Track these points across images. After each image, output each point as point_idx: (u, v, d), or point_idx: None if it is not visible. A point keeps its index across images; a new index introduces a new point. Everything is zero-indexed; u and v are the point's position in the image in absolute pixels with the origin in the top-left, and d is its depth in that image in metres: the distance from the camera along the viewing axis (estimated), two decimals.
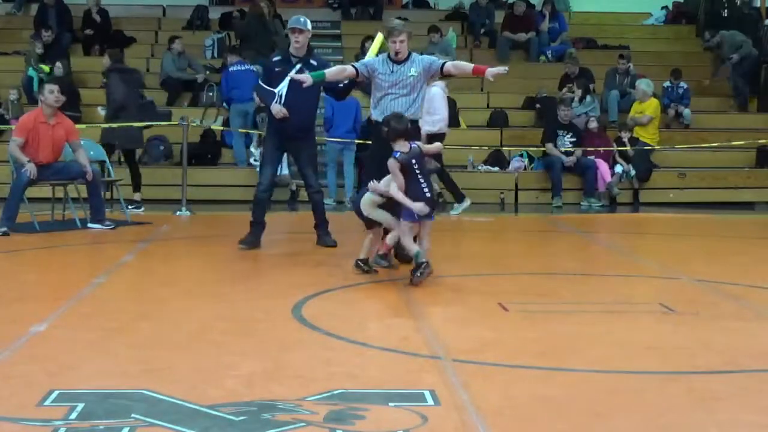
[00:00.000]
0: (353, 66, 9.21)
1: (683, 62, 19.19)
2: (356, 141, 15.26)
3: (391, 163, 7.88)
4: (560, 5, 21.06)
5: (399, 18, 20.68)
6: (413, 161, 7.91)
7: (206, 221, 13.10)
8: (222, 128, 16.41)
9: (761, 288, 8.33)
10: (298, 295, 7.49)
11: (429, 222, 8.06)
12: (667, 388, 5.26)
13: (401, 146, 7.96)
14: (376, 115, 8.90)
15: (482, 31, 20.20)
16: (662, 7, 22.36)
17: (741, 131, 17.24)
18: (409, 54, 8.96)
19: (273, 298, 7.52)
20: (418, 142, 8.23)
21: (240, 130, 15.79)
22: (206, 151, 16.34)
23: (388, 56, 8.97)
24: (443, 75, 9.37)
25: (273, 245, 10.59)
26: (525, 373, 5.57)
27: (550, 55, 19.36)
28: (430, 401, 4.82)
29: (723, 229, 13.19)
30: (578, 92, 16.86)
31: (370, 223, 8.45)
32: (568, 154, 15.72)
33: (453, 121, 15.01)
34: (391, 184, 7.96)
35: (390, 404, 4.77)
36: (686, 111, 17.51)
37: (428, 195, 7.90)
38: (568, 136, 15.87)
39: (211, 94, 17.52)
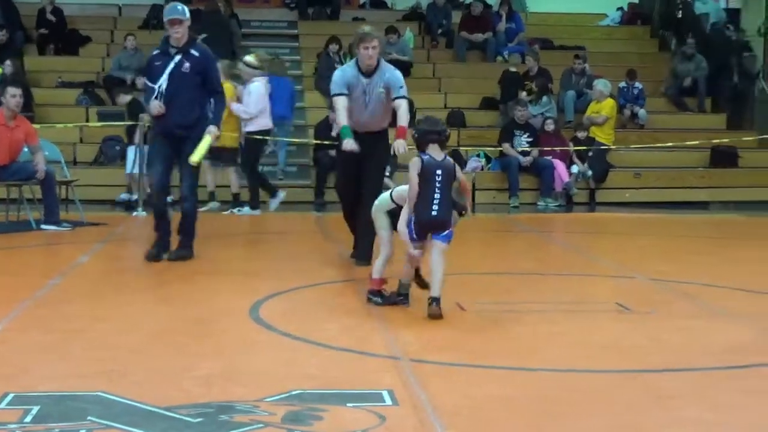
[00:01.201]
0: (336, 95, 8.77)
1: (638, 63, 19.32)
2: (315, 141, 15.26)
3: (413, 162, 6.93)
4: (517, 6, 21.12)
5: (357, 18, 20.82)
6: (438, 172, 6.88)
7: None
8: None
9: (715, 286, 8.41)
10: (255, 296, 7.47)
11: (439, 244, 6.91)
12: (623, 386, 5.30)
13: (434, 152, 6.95)
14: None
15: (439, 31, 20.23)
16: (618, 8, 22.51)
17: (695, 131, 17.38)
18: (379, 61, 8.72)
19: (230, 299, 7.49)
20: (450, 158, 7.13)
21: None
22: None
23: (357, 67, 8.70)
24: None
25: (231, 246, 10.55)
26: (483, 372, 5.59)
27: (507, 56, 19.42)
28: (389, 401, 4.82)
29: (678, 229, 13.30)
30: (533, 86, 16.98)
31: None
32: (524, 154, 15.80)
33: (412, 121, 14.98)
34: (407, 188, 7.05)
35: (348, 405, 4.76)
36: (642, 111, 17.64)
37: (434, 214, 6.85)
38: (525, 136, 15.95)
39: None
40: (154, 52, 9.42)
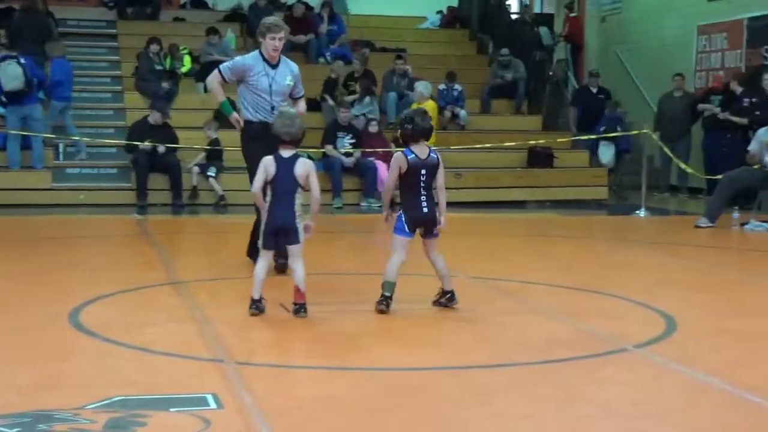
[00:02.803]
0: (218, 70, 8.81)
1: (458, 65, 19.69)
2: (124, 142, 15.08)
3: (396, 157, 7.02)
4: (338, 8, 21.25)
5: (178, 19, 20.59)
6: (423, 171, 7.02)
7: None
8: None
9: (534, 284, 8.64)
10: (75, 302, 7.29)
11: (433, 241, 7.20)
12: (446, 383, 5.39)
13: (419, 149, 7.05)
14: (250, 116, 8.69)
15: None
16: (437, 12, 22.91)
17: (513, 132, 17.81)
18: (280, 55, 8.72)
19: (49, 305, 7.29)
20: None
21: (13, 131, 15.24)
22: None
23: (262, 56, 8.66)
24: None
25: (50, 249, 10.28)
26: (307, 373, 5.60)
27: (329, 57, 19.50)
28: (213, 405, 4.78)
29: (497, 228, 13.61)
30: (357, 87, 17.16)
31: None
32: (347, 155, 15.89)
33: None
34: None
35: (171, 409, 4.70)
36: (462, 112, 17.98)
37: (425, 211, 7.05)
38: (348, 137, 16.05)
39: None
40: None
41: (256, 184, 6.98)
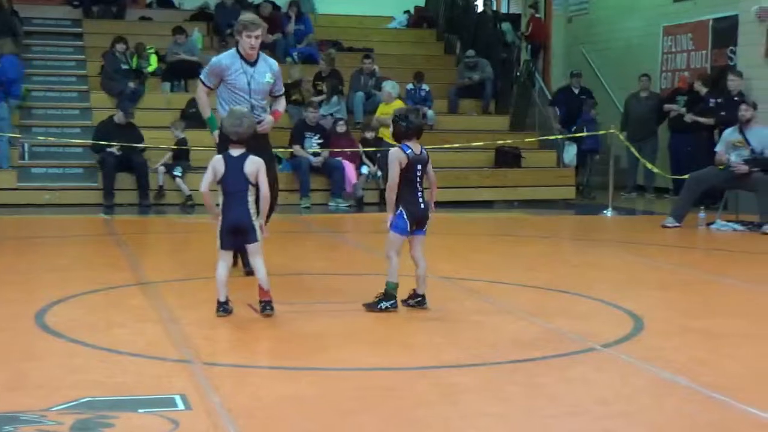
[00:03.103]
0: (200, 80, 8.72)
1: (425, 65, 19.72)
2: (91, 142, 14.98)
3: (395, 154, 7.06)
4: (305, 7, 21.23)
5: (144, 18, 20.49)
6: (419, 167, 7.12)
7: None
8: None
9: (501, 283, 8.66)
10: (41, 302, 7.24)
11: (421, 238, 7.25)
12: (415, 383, 5.39)
13: (413, 146, 7.12)
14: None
15: (228, 31, 20.06)
16: (405, 12, 22.92)
17: (481, 132, 17.86)
18: (258, 53, 8.58)
19: (13, 306, 7.24)
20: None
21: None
22: None
23: (239, 54, 8.50)
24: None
25: (15, 250, 10.20)
26: (275, 373, 5.59)
27: (296, 57, 19.47)
28: (181, 406, 4.77)
29: (464, 227, 13.64)
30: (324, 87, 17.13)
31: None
32: (315, 155, 15.88)
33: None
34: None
35: (139, 410, 4.68)
36: (430, 112, 17.98)
37: (422, 207, 7.14)
38: (316, 137, 16.04)
39: None
40: None
41: (202, 184, 6.99)
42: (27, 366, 5.57)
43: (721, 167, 12.93)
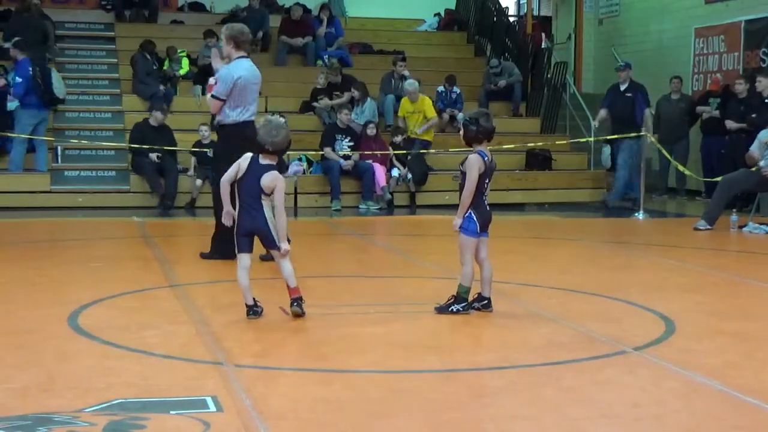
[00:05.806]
0: (217, 99, 9.32)
1: (456, 67, 19.70)
2: (127, 145, 15.06)
3: (475, 161, 7.06)
4: (336, 11, 21.26)
5: (175, 21, 20.57)
6: (490, 173, 7.19)
7: None
8: None
9: (531, 286, 8.64)
10: (74, 304, 7.30)
11: (486, 240, 7.33)
12: (445, 385, 5.39)
13: (486, 150, 7.16)
14: (236, 116, 9.13)
15: (259, 35, 20.17)
16: (435, 14, 22.91)
17: (511, 135, 17.81)
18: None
19: (48, 308, 7.30)
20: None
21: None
22: None
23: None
24: None
25: (49, 252, 10.27)
26: (307, 376, 5.60)
27: (327, 60, 19.51)
28: (213, 407, 4.78)
29: (495, 229, 13.54)
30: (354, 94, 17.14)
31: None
32: (346, 158, 15.90)
33: None
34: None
35: (171, 412, 4.70)
36: (460, 115, 17.92)
37: (489, 209, 7.28)
38: (346, 140, 16.07)
39: None
40: None
41: (225, 175, 7.02)
42: (60, 367, 5.61)
43: (754, 168, 12.85)
